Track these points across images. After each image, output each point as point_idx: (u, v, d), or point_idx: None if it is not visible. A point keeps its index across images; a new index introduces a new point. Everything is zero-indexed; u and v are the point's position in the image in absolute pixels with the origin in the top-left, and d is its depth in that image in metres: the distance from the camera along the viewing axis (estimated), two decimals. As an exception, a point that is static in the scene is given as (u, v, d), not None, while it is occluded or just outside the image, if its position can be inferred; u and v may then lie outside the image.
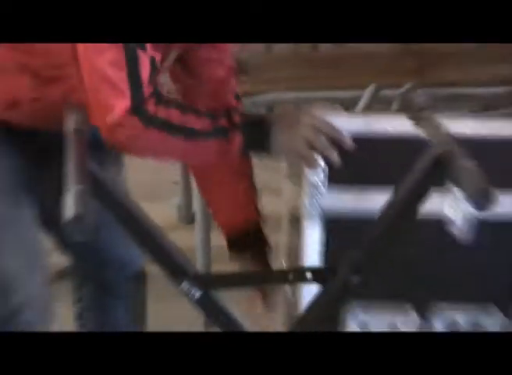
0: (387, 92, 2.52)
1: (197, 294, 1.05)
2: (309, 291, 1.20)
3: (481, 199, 0.90)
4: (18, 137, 1.26)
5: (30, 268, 1.30)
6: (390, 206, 1.03)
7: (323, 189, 1.30)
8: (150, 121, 1.03)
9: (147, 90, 1.02)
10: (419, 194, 1.01)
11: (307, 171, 1.29)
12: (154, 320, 1.62)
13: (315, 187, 1.29)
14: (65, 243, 1.45)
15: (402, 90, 2.50)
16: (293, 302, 1.39)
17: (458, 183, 0.93)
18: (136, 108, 1.01)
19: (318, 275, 1.07)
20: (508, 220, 1.32)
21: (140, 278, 1.52)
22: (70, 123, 1.04)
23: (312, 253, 1.32)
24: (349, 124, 1.24)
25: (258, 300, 1.28)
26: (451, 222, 1.09)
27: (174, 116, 1.04)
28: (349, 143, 1.07)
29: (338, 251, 1.16)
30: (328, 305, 1.07)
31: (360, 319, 1.33)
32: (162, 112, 1.03)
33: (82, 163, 0.98)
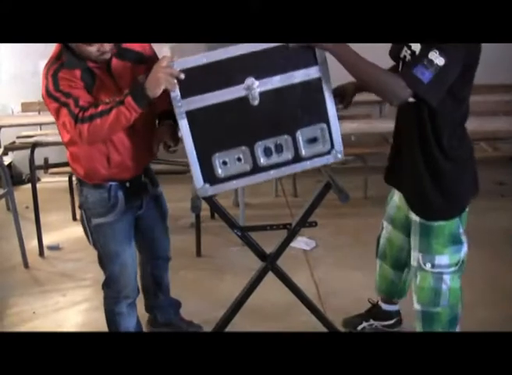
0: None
1: (239, 233, 2.40)
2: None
3: (344, 197, 2.24)
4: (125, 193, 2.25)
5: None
6: (312, 202, 2.42)
7: (180, 99, 1.92)
8: (83, 121, 1.86)
9: (78, 113, 1.87)
10: (319, 197, 2.35)
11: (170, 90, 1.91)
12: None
13: (176, 99, 1.92)
14: (139, 247, 2.53)
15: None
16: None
17: (336, 191, 2.28)
18: (75, 121, 1.86)
19: (285, 226, 2.47)
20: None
21: (168, 258, 2.67)
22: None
23: (187, 136, 1.96)
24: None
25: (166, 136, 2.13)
26: (252, 98, 1.97)
27: (92, 111, 1.85)
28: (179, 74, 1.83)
29: (200, 131, 1.93)
30: (287, 240, 2.45)
31: (220, 160, 2.05)
32: (86, 115, 1.85)
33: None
